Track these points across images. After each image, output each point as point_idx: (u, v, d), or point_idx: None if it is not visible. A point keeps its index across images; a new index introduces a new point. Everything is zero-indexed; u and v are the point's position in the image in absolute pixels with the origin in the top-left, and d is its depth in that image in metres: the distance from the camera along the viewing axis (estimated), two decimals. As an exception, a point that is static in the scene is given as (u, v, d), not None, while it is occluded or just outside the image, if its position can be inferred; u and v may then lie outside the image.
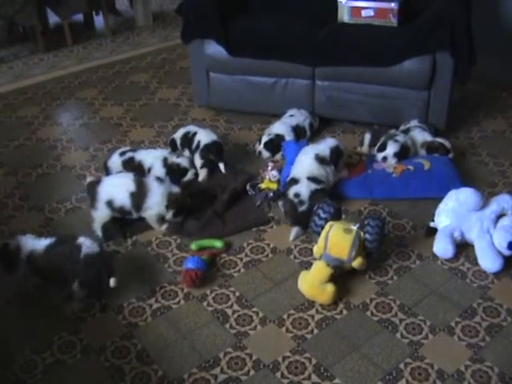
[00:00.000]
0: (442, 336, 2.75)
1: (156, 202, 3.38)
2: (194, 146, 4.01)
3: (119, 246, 3.38)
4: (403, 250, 3.28)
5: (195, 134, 4.06)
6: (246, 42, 4.40)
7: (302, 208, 3.42)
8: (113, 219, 3.44)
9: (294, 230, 3.38)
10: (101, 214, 3.42)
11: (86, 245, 2.95)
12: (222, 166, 3.94)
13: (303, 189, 3.46)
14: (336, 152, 3.67)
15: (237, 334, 2.79)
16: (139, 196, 3.37)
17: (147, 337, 2.80)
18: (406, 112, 4.24)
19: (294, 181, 3.53)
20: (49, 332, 2.83)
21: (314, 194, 3.44)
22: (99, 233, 3.42)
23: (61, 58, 6.16)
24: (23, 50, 6.36)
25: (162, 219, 3.45)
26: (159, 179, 3.52)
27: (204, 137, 4.00)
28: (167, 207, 3.39)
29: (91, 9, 6.71)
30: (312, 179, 3.51)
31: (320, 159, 3.60)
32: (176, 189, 3.47)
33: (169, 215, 3.42)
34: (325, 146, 3.69)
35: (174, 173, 3.70)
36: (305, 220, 3.36)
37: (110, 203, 3.38)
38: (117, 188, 3.41)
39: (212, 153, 3.93)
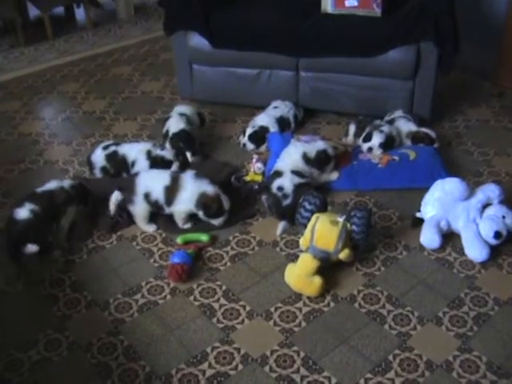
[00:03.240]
0: (430, 326, 2.76)
1: (185, 199, 3.33)
2: (163, 134, 4.05)
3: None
4: (390, 240, 3.28)
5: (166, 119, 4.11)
6: (229, 34, 4.36)
7: (286, 202, 3.40)
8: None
9: (281, 225, 3.36)
10: (140, 209, 3.39)
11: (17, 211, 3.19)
12: (189, 154, 3.93)
13: (286, 182, 3.44)
14: (320, 157, 3.61)
15: (224, 329, 2.78)
16: (172, 191, 3.33)
17: (134, 333, 2.77)
18: (391, 102, 4.23)
19: (278, 173, 3.51)
20: (34, 330, 2.81)
21: (297, 188, 3.42)
22: (145, 227, 3.43)
23: (42, 51, 6.10)
24: (3, 44, 6.30)
25: (189, 218, 3.41)
26: (197, 176, 3.44)
27: (173, 125, 4.01)
28: (196, 206, 3.35)
29: (72, 1, 6.65)
30: (296, 173, 3.50)
31: (306, 159, 3.58)
32: (211, 190, 3.36)
33: (200, 214, 3.37)
34: (313, 147, 3.63)
35: (158, 165, 3.65)
36: (289, 214, 3.34)
37: (147, 196, 3.35)
38: (154, 182, 3.39)
39: (181, 141, 3.93)
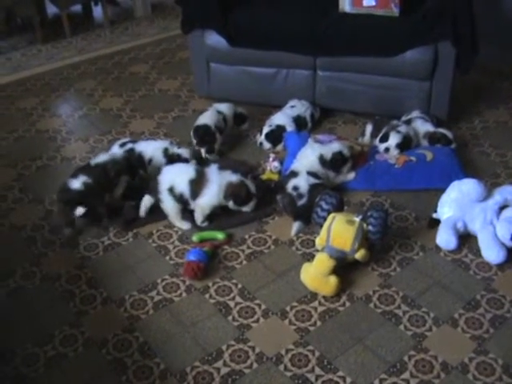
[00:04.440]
0: (446, 328, 2.74)
1: (213, 192, 3.33)
2: None
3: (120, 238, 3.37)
4: (406, 241, 3.26)
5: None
6: (246, 33, 4.37)
7: (301, 201, 3.40)
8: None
9: (296, 225, 3.35)
10: (170, 206, 3.39)
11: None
12: (202, 151, 4.01)
13: (302, 182, 3.45)
14: (336, 158, 3.61)
15: (239, 327, 2.78)
16: (198, 184, 3.33)
17: (149, 330, 2.78)
18: (408, 102, 4.21)
19: (294, 174, 3.52)
20: (50, 325, 2.82)
21: (312, 188, 3.42)
22: (179, 224, 3.43)
23: (59, 49, 6.13)
24: (21, 41, 6.34)
25: (208, 216, 3.40)
26: (221, 168, 3.45)
27: (200, 119, 4.07)
28: (225, 198, 3.35)
29: (89, -1, 6.69)
30: (312, 174, 3.50)
31: (323, 161, 3.58)
32: (235, 178, 3.38)
33: (230, 205, 3.38)
34: (329, 149, 3.63)
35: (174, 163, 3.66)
36: (305, 214, 3.34)
37: (171, 190, 3.35)
38: (177, 175, 3.40)
39: (196, 135, 4.00)
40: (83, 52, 6.03)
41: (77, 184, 3.33)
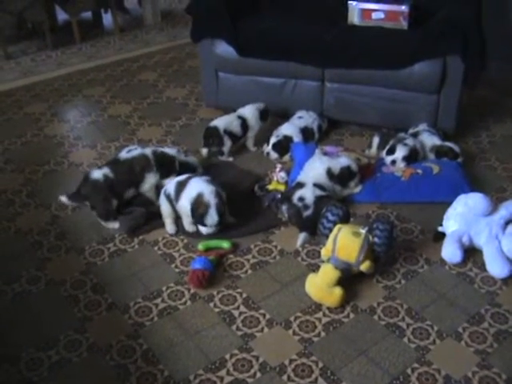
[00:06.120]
0: (450, 341, 2.74)
1: (187, 195, 3.32)
2: None
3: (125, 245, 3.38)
4: (411, 254, 3.26)
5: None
6: (255, 43, 4.38)
7: (307, 213, 3.40)
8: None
9: (302, 236, 3.35)
10: (164, 208, 3.46)
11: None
12: (203, 151, 4.13)
13: (308, 193, 3.44)
14: (344, 173, 3.61)
15: (243, 336, 2.78)
16: (181, 185, 3.38)
17: (153, 337, 2.78)
18: (415, 116, 4.22)
19: (300, 185, 3.51)
20: (54, 330, 2.83)
21: (318, 199, 3.42)
22: (166, 225, 3.46)
23: (69, 55, 6.17)
24: (31, 47, 6.38)
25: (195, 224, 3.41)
26: (208, 180, 3.42)
27: (216, 120, 4.16)
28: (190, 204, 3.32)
29: (99, 6, 6.73)
30: (318, 186, 3.50)
31: (330, 174, 3.58)
32: (208, 195, 3.29)
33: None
34: (338, 163, 3.63)
35: (182, 171, 3.67)
36: (310, 225, 3.35)
37: (165, 192, 3.44)
38: (173, 180, 3.48)
39: (203, 135, 4.10)
40: (92, 59, 6.07)
41: (96, 175, 3.47)
